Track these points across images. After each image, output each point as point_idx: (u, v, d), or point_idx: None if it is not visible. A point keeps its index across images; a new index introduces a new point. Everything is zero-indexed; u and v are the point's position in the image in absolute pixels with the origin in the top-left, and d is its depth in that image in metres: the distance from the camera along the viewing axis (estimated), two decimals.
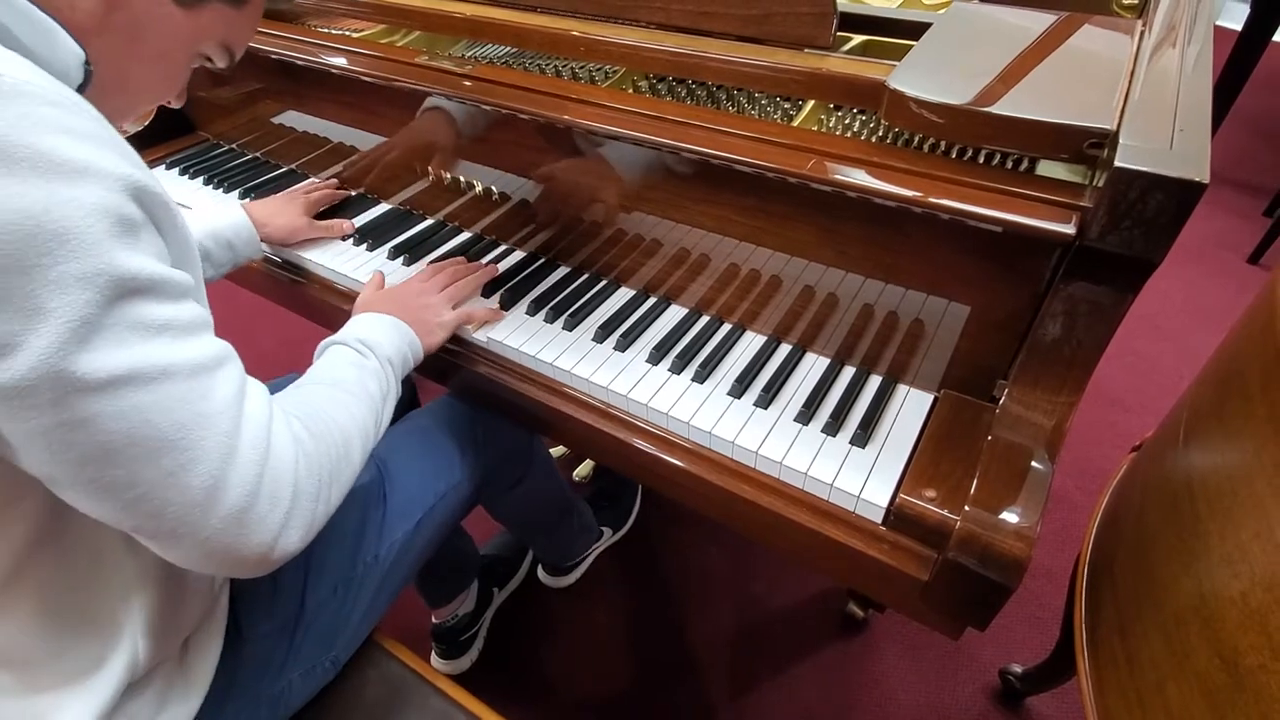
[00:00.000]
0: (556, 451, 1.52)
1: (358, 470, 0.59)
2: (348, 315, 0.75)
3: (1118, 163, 0.49)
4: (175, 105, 0.58)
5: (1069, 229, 0.54)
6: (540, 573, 1.34)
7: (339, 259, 0.96)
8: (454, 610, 1.19)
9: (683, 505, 0.76)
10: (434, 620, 1.19)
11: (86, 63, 0.45)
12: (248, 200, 0.94)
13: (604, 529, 1.37)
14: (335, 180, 1.10)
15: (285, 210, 0.96)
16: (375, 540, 0.74)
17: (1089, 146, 0.55)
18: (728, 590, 1.34)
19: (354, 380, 0.63)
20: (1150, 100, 0.57)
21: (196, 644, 0.61)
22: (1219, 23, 3.78)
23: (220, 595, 0.64)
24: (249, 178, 1.15)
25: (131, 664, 0.54)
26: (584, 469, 1.52)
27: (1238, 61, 2.24)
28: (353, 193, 1.09)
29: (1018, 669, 1.15)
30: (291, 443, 0.50)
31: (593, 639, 1.28)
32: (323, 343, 0.69)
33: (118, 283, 0.39)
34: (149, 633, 0.55)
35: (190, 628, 0.60)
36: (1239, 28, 2.22)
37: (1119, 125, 0.54)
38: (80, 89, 0.45)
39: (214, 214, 0.91)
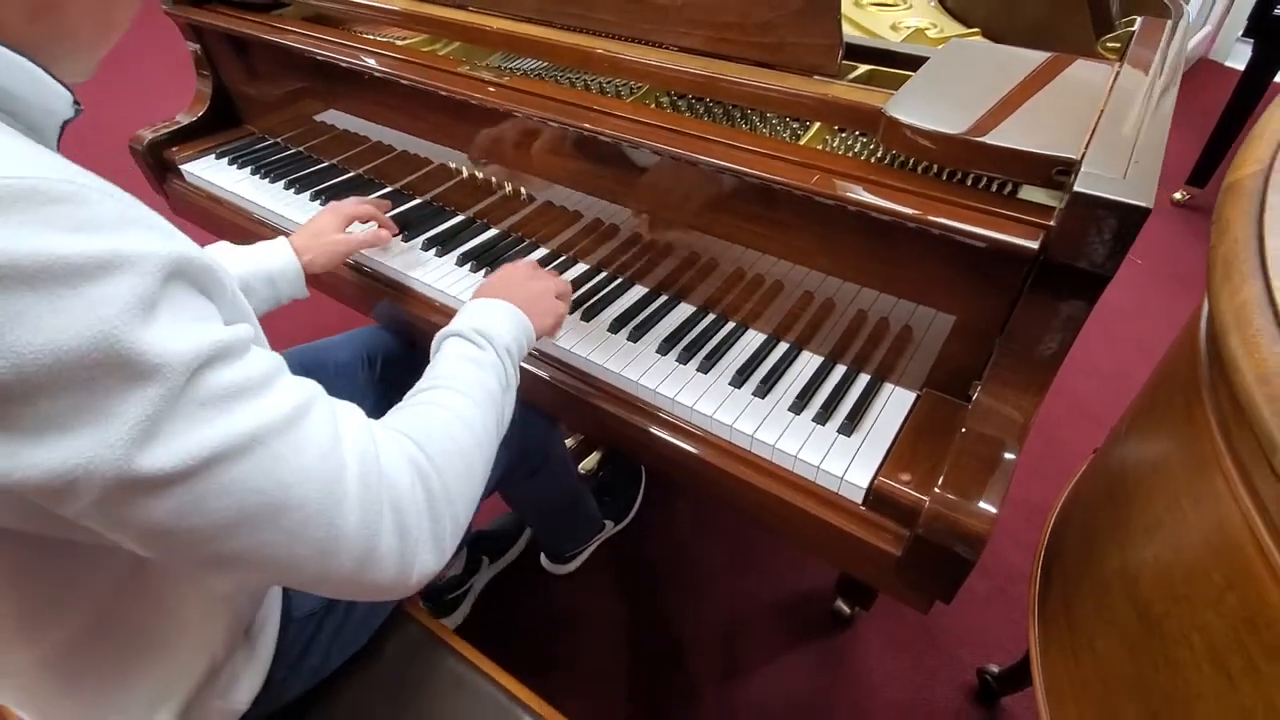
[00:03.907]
0: (569, 443, 1.59)
1: (484, 480, 0.58)
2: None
3: (1075, 187, 0.56)
4: None
5: (1033, 244, 0.61)
6: (543, 559, 1.40)
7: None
8: (442, 571, 1.24)
9: (682, 500, 0.82)
10: None
11: (76, 102, 0.44)
12: (289, 235, 0.91)
13: (607, 521, 1.42)
14: (384, 201, 1.08)
15: (323, 232, 0.93)
16: None
17: (1057, 173, 0.62)
18: (721, 583, 1.40)
19: (474, 381, 0.62)
20: (1114, 135, 0.64)
21: (258, 627, 0.66)
22: (1225, 62, 3.86)
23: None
24: (291, 170, 1.23)
25: (211, 667, 0.60)
26: (590, 461, 1.59)
27: (1240, 100, 2.30)
28: (398, 206, 1.10)
29: (995, 669, 1.21)
30: (406, 466, 0.49)
31: (590, 624, 1.34)
32: (440, 334, 0.69)
33: (179, 369, 0.37)
34: (226, 638, 0.61)
35: (252, 616, 0.66)
36: (1242, 67, 2.28)
37: (1083, 155, 0.61)
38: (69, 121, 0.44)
39: (263, 252, 0.86)
